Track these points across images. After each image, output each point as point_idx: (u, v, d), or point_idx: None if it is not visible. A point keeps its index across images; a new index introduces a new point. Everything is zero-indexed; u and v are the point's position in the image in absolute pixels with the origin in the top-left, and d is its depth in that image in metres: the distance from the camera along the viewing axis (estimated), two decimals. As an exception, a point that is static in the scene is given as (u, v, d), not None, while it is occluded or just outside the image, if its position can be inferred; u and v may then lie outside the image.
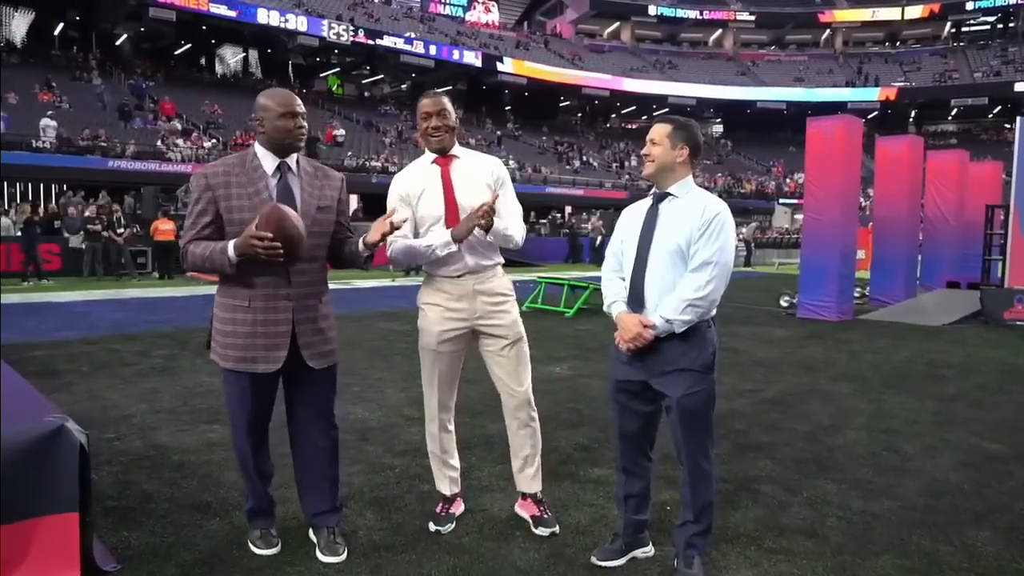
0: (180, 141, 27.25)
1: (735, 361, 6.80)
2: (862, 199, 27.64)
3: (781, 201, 41.15)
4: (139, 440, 4.07)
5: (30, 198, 23.76)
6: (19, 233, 14.58)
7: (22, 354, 6.56)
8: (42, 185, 25.10)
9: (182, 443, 4.02)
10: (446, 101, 2.89)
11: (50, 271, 14.63)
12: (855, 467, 3.78)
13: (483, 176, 2.91)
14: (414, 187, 2.92)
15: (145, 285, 14.37)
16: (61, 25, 36.91)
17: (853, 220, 10.64)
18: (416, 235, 2.94)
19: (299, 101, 2.60)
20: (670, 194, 2.54)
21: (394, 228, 2.65)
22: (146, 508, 3.10)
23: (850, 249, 10.40)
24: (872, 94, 48.28)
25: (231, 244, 2.46)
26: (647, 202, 2.63)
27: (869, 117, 44.02)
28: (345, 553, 2.69)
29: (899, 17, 52.46)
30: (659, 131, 2.53)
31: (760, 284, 16.59)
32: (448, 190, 2.88)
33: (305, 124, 2.61)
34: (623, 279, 2.62)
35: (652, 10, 53.86)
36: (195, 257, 2.52)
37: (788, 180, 44.73)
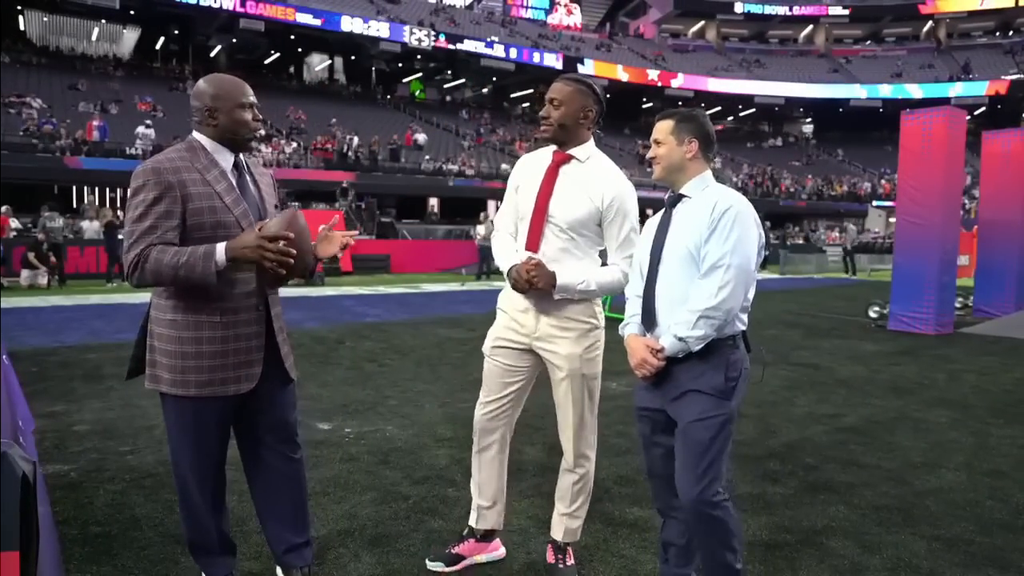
0: (262, 147, 28.04)
1: (814, 380, 6.12)
2: (965, 200, 25.69)
3: (875, 204, 38.87)
4: (152, 455, 3.86)
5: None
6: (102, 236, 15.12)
7: (77, 356, 6.60)
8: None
9: (193, 460, 3.78)
10: (567, 88, 2.46)
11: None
12: (951, 520, 3.15)
13: (592, 192, 2.46)
14: (523, 174, 2.59)
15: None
16: (162, 40, 38.91)
17: (954, 223, 9.62)
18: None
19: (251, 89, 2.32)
20: (684, 195, 2.24)
21: (346, 245, 2.41)
22: (128, 537, 2.84)
23: (950, 255, 9.39)
24: (979, 88, 44.94)
25: (221, 247, 2.07)
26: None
27: (975, 113, 41.04)
28: None
29: (1012, 3, 48.56)
30: (661, 128, 2.25)
31: (848, 292, 15.50)
32: (544, 190, 2.48)
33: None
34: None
35: (739, 7, 52.02)
36: (161, 265, 2.06)
37: (883, 181, 42.27)
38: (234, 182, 2.25)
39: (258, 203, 2.30)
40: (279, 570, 2.49)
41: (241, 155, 2.31)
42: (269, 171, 2.51)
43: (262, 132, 2.27)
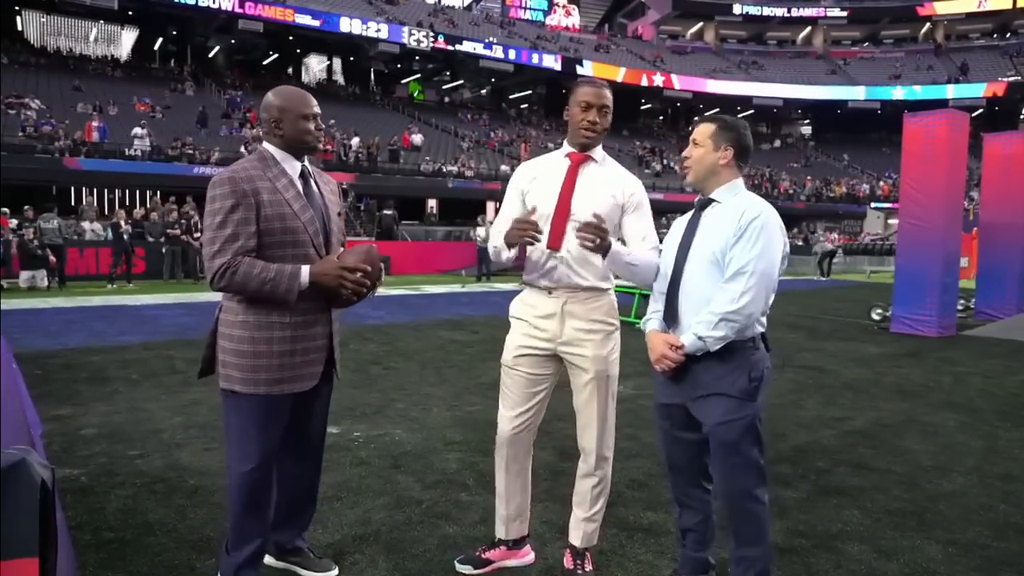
0: (262, 148, 27.94)
1: (820, 383, 6.12)
2: (964, 202, 25.67)
3: (873, 205, 38.92)
4: (161, 459, 3.85)
5: (127, 204, 24.89)
6: (108, 237, 15.07)
7: (80, 359, 6.57)
8: (138, 192, 26.26)
9: (203, 464, 3.76)
10: (610, 96, 2.51)
11: (134, 274, 15.08)
12: (965, 524, 3.15)
13: (614, 189, 2.51)
14: (532, 177, 2.59)
15: (221, 289, 14.59)
16: (160, 40, 38.85)
17: (957, 225, 9.64)
18: None
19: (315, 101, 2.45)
20: (713, 200, 2.33)
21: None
22: (142, 542, 2.82)
23: (953, 257, 9.40)
24: (977, 90, 45.03)
25: (306, 270, 2.23)
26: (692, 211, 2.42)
27: (973, 115, 41.09)
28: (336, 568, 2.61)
29: (1011, 5, 48.60)
30: (701, 131, 2.33)
31: (849, 294, 15.52)
32: (566, 189, 2.50)
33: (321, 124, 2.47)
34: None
35: (737, 9, 52.12)
36: (248, 278, 2.18)
37: (882, 183, 42.32)
38: (301, 189, 2.36)
39: (322, 209, 2.40)
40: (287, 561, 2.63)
41: (307, 163, 2.41)
42: (333, 179, 2.60)
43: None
